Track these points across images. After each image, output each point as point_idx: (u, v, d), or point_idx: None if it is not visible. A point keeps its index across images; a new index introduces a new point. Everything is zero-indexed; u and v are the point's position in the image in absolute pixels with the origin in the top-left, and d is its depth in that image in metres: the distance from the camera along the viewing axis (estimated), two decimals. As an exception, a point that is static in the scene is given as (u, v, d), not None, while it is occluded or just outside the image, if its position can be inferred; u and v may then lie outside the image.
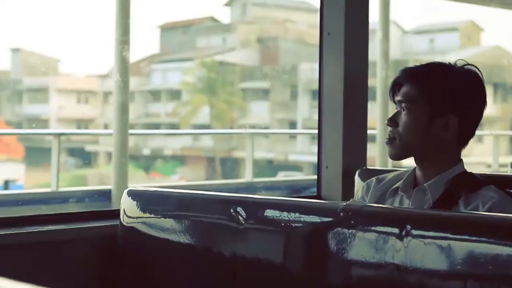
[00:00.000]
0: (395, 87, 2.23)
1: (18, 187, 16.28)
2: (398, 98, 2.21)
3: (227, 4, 22.54)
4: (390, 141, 2.20)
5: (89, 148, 19.26)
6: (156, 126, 21.83)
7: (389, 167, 3.36)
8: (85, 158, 19.08)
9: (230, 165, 22.22)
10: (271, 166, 20.99)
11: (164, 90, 21.84)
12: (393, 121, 2.20)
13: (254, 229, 2.12)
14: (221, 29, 22.54)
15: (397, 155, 2.21)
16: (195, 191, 2.30)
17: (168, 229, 2.24)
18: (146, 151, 22.01)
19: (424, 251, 1.79)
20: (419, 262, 1.80)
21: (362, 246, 1.90)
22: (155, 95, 21.83)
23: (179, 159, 22.59)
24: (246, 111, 23.40)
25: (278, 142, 21.66)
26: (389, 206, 2.14)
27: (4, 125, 19.24)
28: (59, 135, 6.12)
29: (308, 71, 20.20)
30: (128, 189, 2.37)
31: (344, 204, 1.98)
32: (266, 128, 22.61)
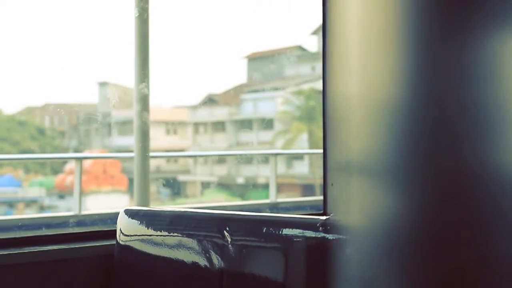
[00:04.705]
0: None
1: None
2: None
3: (314, 33, 22.56)
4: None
5: (180, 178, 19.61)
6: (249, 155, 21.93)
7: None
8: (178, 188, 19.44)
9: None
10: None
11: (255, 119, 21.98)
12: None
13: (240, 245, 2.13)
14: (309, 57, 22.53)
15: None
16: (186, 209, 2.32)
17: (161, 246, 2.28)
18: (240, 180, 22.18)
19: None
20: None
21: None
22: (247, 124, 22.01)
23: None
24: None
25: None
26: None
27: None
28: (80, 159, 6.48)
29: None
30: (124, 208, 2.41)
31: (324, 219, 1.98)
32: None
